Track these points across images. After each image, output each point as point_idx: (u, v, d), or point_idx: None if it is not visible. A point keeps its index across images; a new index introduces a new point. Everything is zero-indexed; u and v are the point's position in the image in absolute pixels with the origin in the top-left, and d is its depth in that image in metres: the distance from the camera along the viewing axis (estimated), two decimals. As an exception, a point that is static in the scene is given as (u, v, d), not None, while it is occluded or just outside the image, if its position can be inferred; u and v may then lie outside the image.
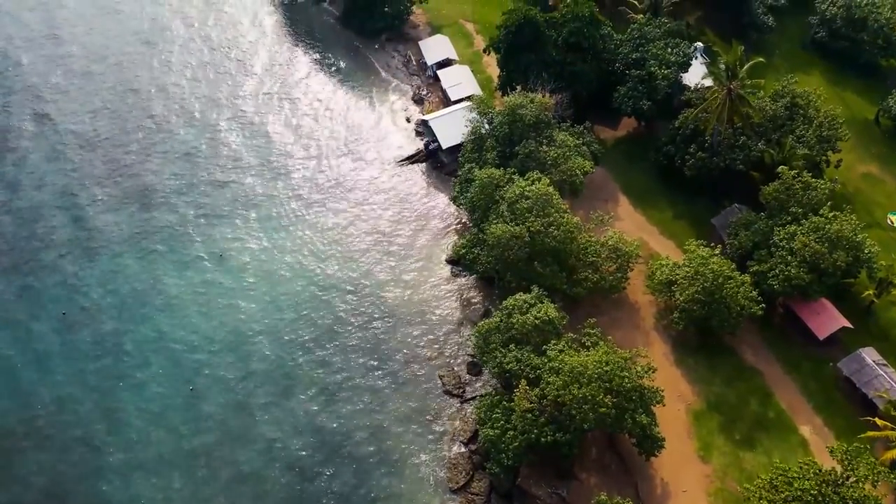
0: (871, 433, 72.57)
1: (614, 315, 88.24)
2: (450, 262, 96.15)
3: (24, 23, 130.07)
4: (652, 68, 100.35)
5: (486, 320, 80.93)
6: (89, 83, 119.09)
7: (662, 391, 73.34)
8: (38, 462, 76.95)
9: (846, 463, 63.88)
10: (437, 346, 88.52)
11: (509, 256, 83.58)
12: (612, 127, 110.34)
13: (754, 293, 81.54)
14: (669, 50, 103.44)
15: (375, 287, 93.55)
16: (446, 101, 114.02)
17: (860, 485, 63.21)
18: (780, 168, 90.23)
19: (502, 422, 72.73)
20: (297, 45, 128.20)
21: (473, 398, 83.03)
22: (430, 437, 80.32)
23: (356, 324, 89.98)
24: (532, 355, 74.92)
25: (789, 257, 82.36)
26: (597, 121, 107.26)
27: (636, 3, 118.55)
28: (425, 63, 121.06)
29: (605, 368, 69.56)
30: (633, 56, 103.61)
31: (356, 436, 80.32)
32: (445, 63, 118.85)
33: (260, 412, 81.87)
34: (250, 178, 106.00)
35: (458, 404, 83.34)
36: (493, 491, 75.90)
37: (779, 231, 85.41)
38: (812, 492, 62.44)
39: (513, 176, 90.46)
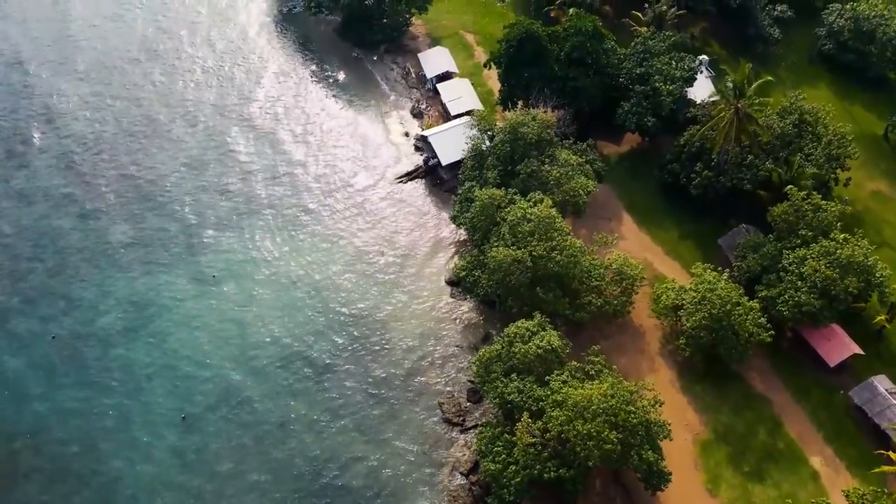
0: (885, 468, 70.18)
1: (618, 339, 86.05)
2: (449, 283, 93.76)
3: (29, 34, 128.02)
4: (656, 84, 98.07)
5: (487, 348, 78.61)
6: (79, 95, 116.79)
7: (669, 425, 70.92)
8: (25, 494, 74.58)
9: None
10: (436, 370, 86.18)
11: (510, 281, 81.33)
12: (616, 142, 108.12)
13: (763, 319, 79.21)
14: (674, 64, 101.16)
15: (373, 308, 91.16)
16: (446, 116, 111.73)
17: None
18: (788, 188, 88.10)
19: (504, 455, 70.46)
20: (294, 57, 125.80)
21: (474, 427, 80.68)
22: (430, 468, 77.90)
23: (352, 347, 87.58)
24: (534, 386, 72.63)
25: (799, 282, 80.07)
26: (599, 136, 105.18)
27: (640, 15, 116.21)
28: (424, 76, 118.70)
29: (610, 402, 67.20)
30: (637, 71, 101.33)
31: (353, 466, 77.90)
32: (445, 76, 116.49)
33: (253, 440, 79.44)
34: (245, 194, 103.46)
35: (459, 433, 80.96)
36: (494, 525, 73.53)
37: (788, 254, 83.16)
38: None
39: (514, 196, 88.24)
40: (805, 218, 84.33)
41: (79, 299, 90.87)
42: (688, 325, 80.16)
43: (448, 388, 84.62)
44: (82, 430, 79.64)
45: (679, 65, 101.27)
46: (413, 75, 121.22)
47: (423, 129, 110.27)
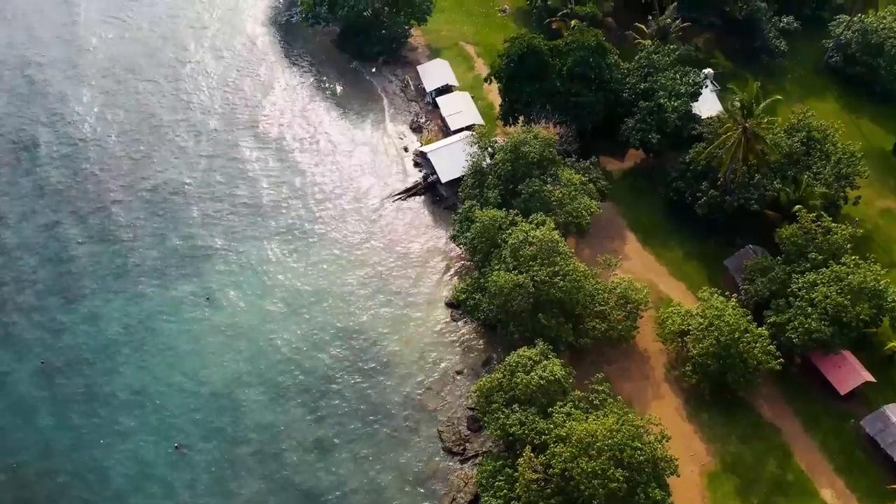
0: (899, 503, 68.17)
1: (623, 365, 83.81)
2: (449, 305, 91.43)
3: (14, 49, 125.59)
4: (661, 100, 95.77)
5: (487, 377, 76.31)
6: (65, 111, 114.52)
7: (677, 461, 68.62)
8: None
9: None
10: (435, 396, 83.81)
11: (512, 306, 79.04)
12: (619, 158, 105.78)
13: (772, 347, 76.97)
14: (679, 79, 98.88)
15: (371, 331, 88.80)
16: (445, 130, 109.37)
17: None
18: (797, 208, 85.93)
19: (505, 490, 68.46)
20: (290, 68, 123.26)
21: (475, 456, 78.43)
22: (428, 501, 75.54)
23: (350, 372, 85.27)
24: (537, 418, 70.44)
25: (809, 309, 77.80)
26: (602, 151, 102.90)
27: (643, 27, 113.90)
28: (424, 88, 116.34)
29: (616, 438, 64.93)
30: (641, 86, 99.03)
31: (349, 498, 75.64)
32: (445, 89, 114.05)
33: (246, 471, 77.15)
34: (238, 212, 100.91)
35: (459, 463, 78.68)
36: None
37: (797, 279, 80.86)
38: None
39: (515, 217, 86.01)
40: (815, 241, 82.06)
41: (70, 321, 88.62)
42: (694, 351, 77.98)
43: (448, 415, 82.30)
44: (72, 459, 77.31)
45: (684, 79, 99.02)
46: (412, 88, 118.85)
47: (422, 144, 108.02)
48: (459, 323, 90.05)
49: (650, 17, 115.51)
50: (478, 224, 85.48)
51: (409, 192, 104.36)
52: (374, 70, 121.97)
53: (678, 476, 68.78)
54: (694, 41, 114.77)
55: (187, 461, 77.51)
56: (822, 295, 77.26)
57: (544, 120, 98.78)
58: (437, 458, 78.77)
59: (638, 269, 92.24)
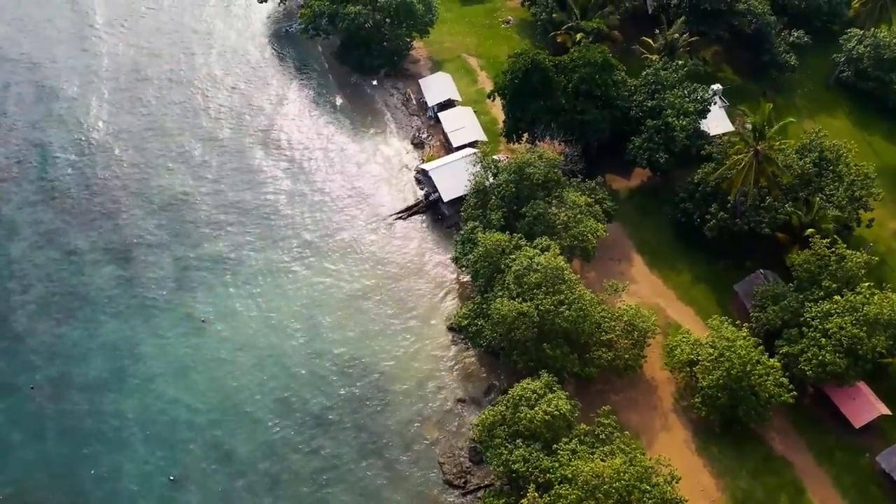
0: (917, 547, 65.60)
1: (630, 395, 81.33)
2: (451, 329, 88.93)
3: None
4: (669, 119, 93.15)
5: (490, 409, 73.85)
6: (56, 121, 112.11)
7: (686, 502, 66.05)
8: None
9: None
10: (436, 426, 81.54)
11: (515, 335, 76.50)
12: (625, 176, 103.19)
13: (784, 379, 74.40)
14: (686, 95, 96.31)
15: (369, 355, 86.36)
16: (448, 146, 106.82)
17: None
18: (809, 231, 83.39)
19: (508, 530, 65.84)
20: (290, 81, 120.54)
21: (476, 489, 76.11)
22: (429, 537, 73.46)
23: (348, 400, 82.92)
24: (541, 455, 67.96)
25: (823, 340, 75.16)
26: (608, 170, 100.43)
27: (650, 41, 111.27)
28: (426, 102, 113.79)
29: (623, 480, 62.43)
30: (649, 104, 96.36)
31: (347, 534, 73.53)
32: (447, 104, 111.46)
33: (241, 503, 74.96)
34: (234, 232, 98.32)
35: (460, 496, 76.26)
36: None
37: (810, 307, 78.20)
38: None
39: (519, 241, 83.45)
40: (828, 268, 79.45)
41: (62, 344, 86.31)
42: (704, 383, 75.41)
43: (449, 445, 79.95)
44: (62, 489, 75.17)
45: (692, 96, 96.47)
46: (414, 101, 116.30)
47: (423, 161, 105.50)
48: (461, 348, 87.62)
49: (657, 31, 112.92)
50: (480, 248, 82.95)
51: (411, 211, 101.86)
52: (375, 83, 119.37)
53: (688, 518, 66.39)
54: (701, 54, 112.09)
55: (181, 491, 75.10)
56: (836, 326, 74.65)
57: (549, 138, 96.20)
58: (436, 491, 76.50)
59: (645, 292, 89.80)
